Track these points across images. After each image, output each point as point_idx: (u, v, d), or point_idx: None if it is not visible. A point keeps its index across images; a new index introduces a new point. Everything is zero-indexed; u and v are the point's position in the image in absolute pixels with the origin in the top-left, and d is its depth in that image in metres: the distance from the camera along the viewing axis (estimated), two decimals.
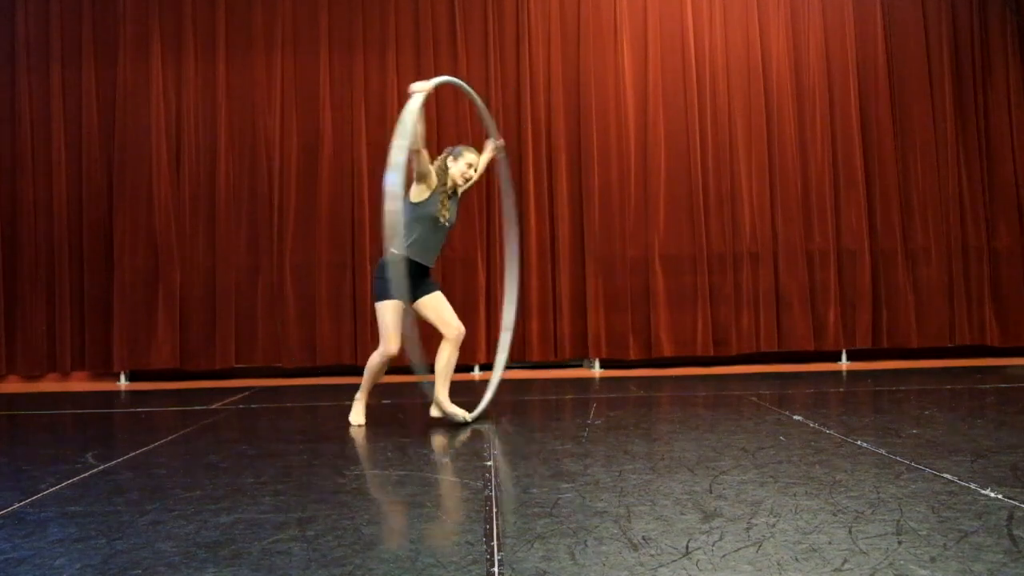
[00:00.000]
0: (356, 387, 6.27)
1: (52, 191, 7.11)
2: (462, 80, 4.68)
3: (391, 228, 3.82)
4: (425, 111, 3.96)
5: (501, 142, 4.70)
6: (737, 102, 7.30)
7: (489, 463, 3.25)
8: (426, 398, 4.36)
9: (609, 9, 7.32)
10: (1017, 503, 2.44)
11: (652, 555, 2.07)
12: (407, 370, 6.96)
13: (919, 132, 7.37)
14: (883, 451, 3.26)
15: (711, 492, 2.69)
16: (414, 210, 4.17)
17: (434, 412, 4.38)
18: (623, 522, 2.37)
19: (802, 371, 6.63)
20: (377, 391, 5.98)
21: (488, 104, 7.20)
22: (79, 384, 7.03)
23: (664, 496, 2.66)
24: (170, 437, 4.14)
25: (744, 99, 7.31)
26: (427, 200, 4.18)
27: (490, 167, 4.92)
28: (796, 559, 2.02)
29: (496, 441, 3.79)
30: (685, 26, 7.31)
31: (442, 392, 4.25)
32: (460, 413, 4.21)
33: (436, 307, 4.29)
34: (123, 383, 7.01)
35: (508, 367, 6.89)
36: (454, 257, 7.10)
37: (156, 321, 6.99)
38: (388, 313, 4.11)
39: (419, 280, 4.24)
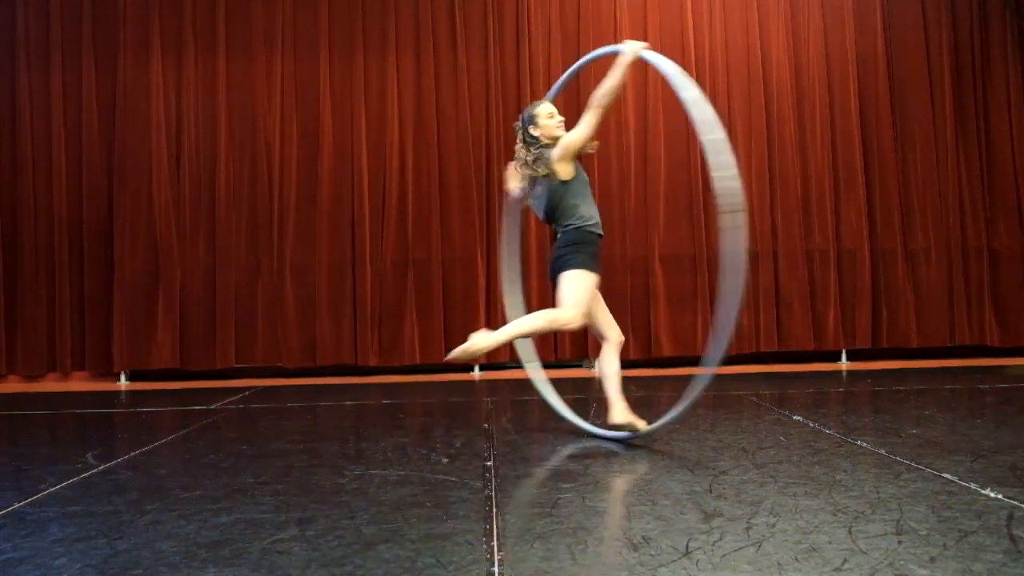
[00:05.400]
0: (355, 387, 6.32)
1: (52, 191, 7.11)
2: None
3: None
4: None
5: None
6: (737, 102, 7.30)
7: (489, 463, 3.25)
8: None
9: (609, 9, 7.32)
10: (1017, 503, 2.44)
11: (652, 555, 2.07)
12: (411, 370, 7.01)
13: (919, 132, 7.37)
14: (883, 451, 3.26)
15: (711, 492, 2.69)
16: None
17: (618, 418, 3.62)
18: (623, 522, 2.37)
19: (802, 371, 6.63)
20: (380, 391, 5.99)
21: (488, 104, 7.20)
22: (79, 384, 7.02)
23: (664, 496, 2.66)
24: (170, 437, 4.14)
25: (744, 99, 7.31)
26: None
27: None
28: (796, 559, 2.02)
29: (496, 441, 3.79)
30: (685, 26, 7.31)
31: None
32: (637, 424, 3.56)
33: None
34: (123, 383, 7.01)
35: (507, 366, 6.93)
36: (454, 257, 7.10)
37: (156, 321, 6.98)
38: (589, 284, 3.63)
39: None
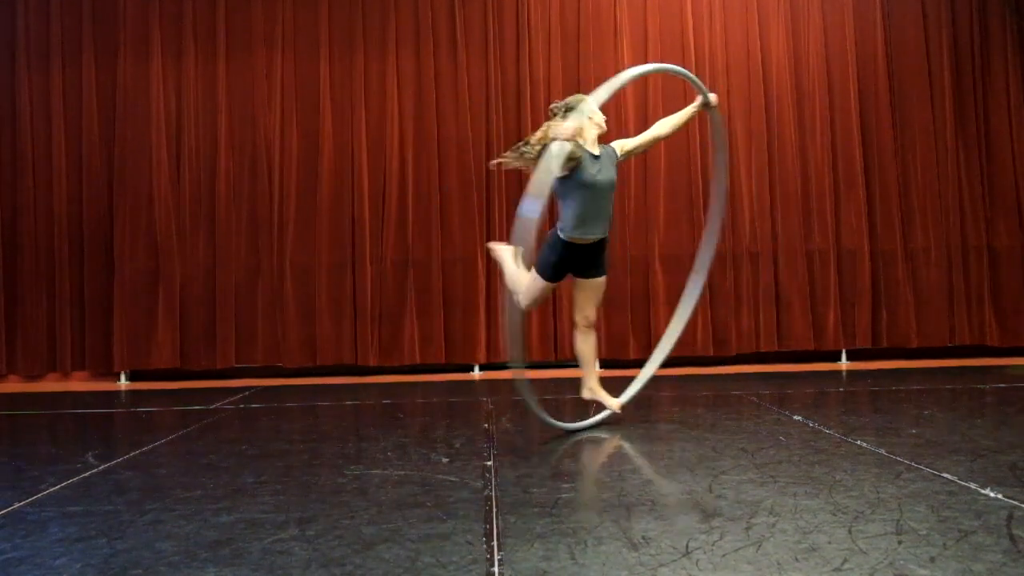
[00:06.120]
0: (355, 387, 6.32)
1: (52, 191, 7.11)
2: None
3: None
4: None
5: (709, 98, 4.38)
6: (737, 102, 7.30)
7: (489, 463, 3.26)
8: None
9: (609, 9, 7.31)
10: (1016, 503, 2.44)
11: (652, 555, 2.07)
12: (411, 369, 7.01)
13: (919, 132, 7.36)
14: (883, 451, 3.27)
15: (711, 492, 2.69)
16: (562, 185, 3.94)
17: (586, 394, 4.21)
18: (623, 522, 2.37)
19: (802, 371, 6.63)
20: (380, 391, 5.99)
21: (488, 104, 7.21)
22: (79, 384, 7.03)
23: (664, 496, 2.67)
24: (170, 437, 4.14)
25: (744, 99, 7.30)
26: (575, 169, 3.92)
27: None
28: (796, 559, 2.02)
29: (496, 441, 3.80)
30: (685, 26, 7.30)
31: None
32: (613, 403, 4.11)
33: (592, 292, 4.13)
34: (123, 383, 7.01)
35: (508, 366, 6.91)
36: (454, 257, 7.09)
37: (156, 321, 6.98)
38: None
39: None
